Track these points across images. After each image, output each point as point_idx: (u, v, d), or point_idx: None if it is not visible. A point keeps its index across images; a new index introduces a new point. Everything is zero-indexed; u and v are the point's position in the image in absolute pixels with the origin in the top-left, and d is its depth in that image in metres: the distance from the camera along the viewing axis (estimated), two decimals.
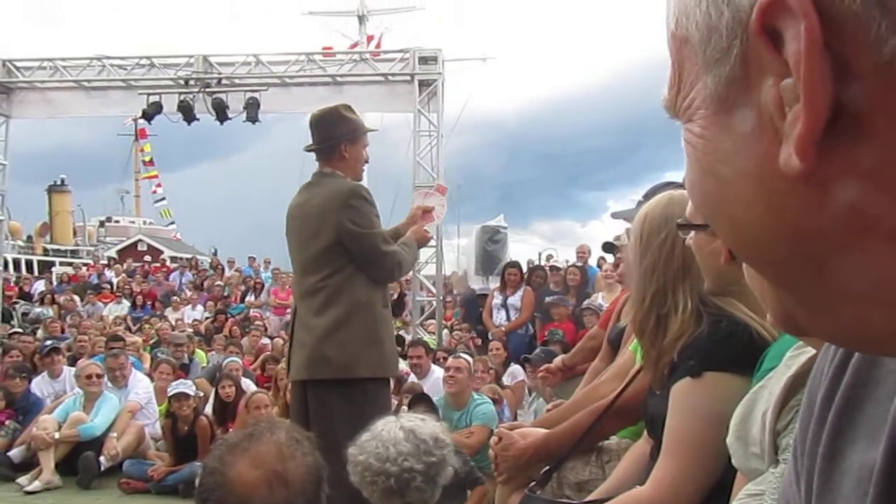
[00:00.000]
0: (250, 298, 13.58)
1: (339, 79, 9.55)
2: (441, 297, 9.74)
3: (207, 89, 9.42)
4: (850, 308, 0.39)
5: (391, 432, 2.09)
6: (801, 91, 0.35)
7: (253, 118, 9.38)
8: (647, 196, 2.44)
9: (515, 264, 9.35)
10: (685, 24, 0.40)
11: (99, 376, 6.33)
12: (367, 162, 3.66)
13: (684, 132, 0.43)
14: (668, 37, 0.43)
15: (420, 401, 5.31)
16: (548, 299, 8.30)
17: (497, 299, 8.59)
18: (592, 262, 10.41)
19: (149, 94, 9.53)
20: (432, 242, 6.51)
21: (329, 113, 3.59)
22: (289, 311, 12.05)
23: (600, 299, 7.57)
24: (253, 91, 9.40)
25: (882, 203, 0.35)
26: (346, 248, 3.37)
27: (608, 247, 5.34)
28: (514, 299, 8.44)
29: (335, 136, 3.51)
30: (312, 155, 3.61)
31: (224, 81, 9.57)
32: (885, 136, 0.35)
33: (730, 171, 0.40)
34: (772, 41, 0.36)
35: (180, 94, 9.42)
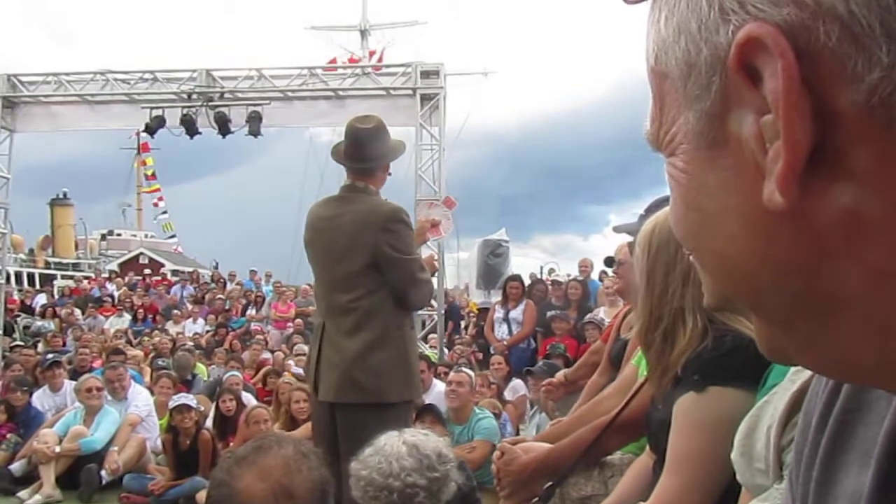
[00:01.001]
0: (251, 312, 13.60)
1: (341, 93, 9.58)
2: (442, 312, 9.73)
3: (210, 103, 9.44)
4: (835, 341, 0.39)
5: (394, 447, 2.08)
6: (780, 128, 0.35)
7: (255, 132, 9.40)
8: (650, 209, 2.43)
9: (517, 278, 9.33)
10: (664, 60, 0.40)
11: (99, 389, 6.32)
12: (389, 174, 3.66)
13: (667, 166, 0.42)
14: (648, 71, 0.43)
15: (427, 411, 5.31)
16: (549, 314, 8.30)
17: (499, 313, 8.58)
18: (594, 275, 10.41)
19: (152, 108, 9.55)
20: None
21: (377, 130, 3.47)
22: (289, 324, 12.26)
23: (602, 313, 7.57)
24: (255, 105, 9.42)
25: (864, 235, 0.36)
26: (379, 270, 3.31)
27: (610, 261, 5.33)
28: (516, 313, 8.43)
29: (383, 155, 3.47)
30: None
31: (226, 95, 9.60)
32: (864, 171, 0.35)
33: (714, 205, 0.40)
34: (750, 78, 0.36)
35: (183, 108, 9.44)
